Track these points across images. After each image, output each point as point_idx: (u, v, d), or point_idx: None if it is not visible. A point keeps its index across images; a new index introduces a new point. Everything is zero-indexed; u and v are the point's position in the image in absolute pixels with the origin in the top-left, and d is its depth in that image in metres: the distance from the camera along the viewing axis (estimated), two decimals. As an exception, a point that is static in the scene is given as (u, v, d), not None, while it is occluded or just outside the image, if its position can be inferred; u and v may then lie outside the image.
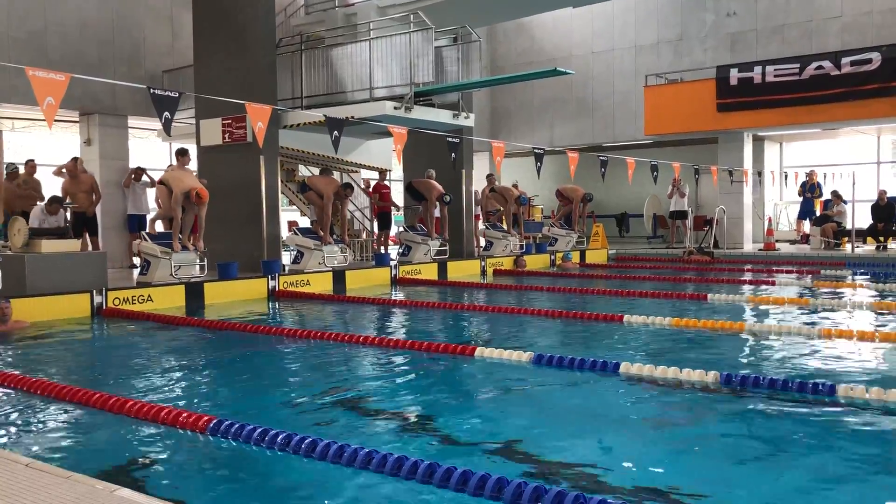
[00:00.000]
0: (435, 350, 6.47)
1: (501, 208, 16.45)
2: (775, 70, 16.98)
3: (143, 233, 11.37)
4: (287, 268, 12.20)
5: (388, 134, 11.53)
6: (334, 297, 10.88)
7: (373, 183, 17.00)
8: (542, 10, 18.32)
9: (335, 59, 13.83)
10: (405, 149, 11.37)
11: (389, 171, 16.87)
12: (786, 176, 21.10)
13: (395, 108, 12.63)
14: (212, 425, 4.15)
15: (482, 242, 16.28)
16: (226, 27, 12.24)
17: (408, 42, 12.86)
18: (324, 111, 11.59)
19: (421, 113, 13.14)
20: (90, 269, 9.50)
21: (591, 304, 9.79)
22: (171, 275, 10.15)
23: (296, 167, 16.05)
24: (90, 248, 12.73)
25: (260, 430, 3.97)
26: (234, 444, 3.99)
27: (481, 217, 17.93)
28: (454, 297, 10.93)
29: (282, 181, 13.70)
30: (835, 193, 17.94)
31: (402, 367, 6.21)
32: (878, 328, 7.43)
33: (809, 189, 18.90)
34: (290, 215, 18.11)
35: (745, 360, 6.34)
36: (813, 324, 7.69)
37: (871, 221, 16.83)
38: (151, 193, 13.81)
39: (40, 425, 4.52)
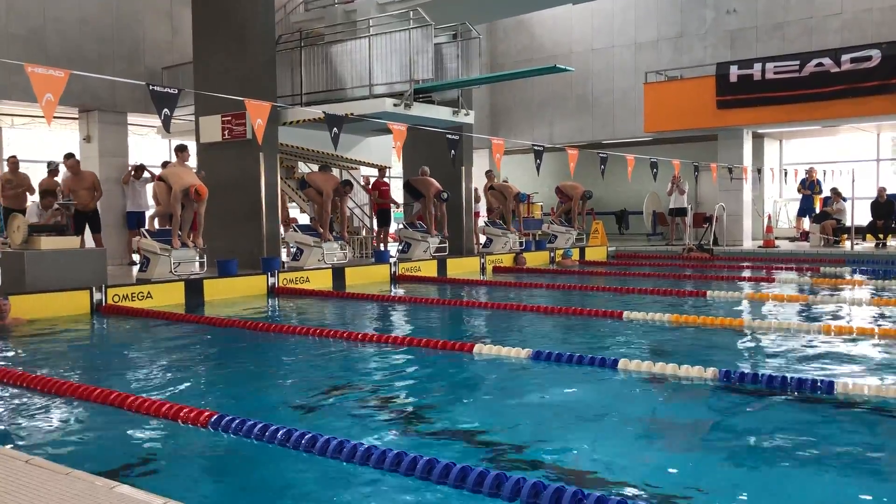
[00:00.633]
0: (434, 347, 6.48)
1: (500, 206, 16.44)
2: (775, 67, 16.97)
3: (142, 229, 11.37)
4: (286, 264, 12.19)
5: (388, 131, 11.53)
6: (334, 294, 10.89)
7: (372, 180, 17.01)
8: (542, 7, 18.30)
9: (335, 55, 13.82)
10: (405, 146, 11.36)
11: (389, 168, 16.87)
12: (785, 173, 21.11)
13: (395, 104, 12.62)
14: (213, 420, 4.16)
15: (482, 239, 16.28)
16: (225, 24, 12.23)
17: (407, 39, 12.85)
18: (323, 108, 11.58)
19: (420, 110, 13.13)
20: (90, 265, 9.50)
21: (591, 300, 9.80)
22: (171, 272, 10.15)
23: (295, 164, 16.04)
24: (94, 245, 12.72)
25: (260, 425, 3.97)
26: (235, 439, 4.00)
27: (481, 214, 17.94)
28: (454, 294, 10.94)
29: (281, 178, 13.69)
30: (834, 191, 17.96)
31: (402, 364, 6.21)
32: (877, 325, 7.44)
33: (809, 186, 18.92)
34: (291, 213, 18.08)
35: (744, 357, 6.35)
36: (812, 320, 7.70)
37: (870, 218, 16.84)
38: (150, 190, 13.84)
39: (40, 422, 4.52)
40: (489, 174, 17.29)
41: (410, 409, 4.83)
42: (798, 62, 16.72)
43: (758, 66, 17.17)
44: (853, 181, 16.24)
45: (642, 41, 21.07)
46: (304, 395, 5.18)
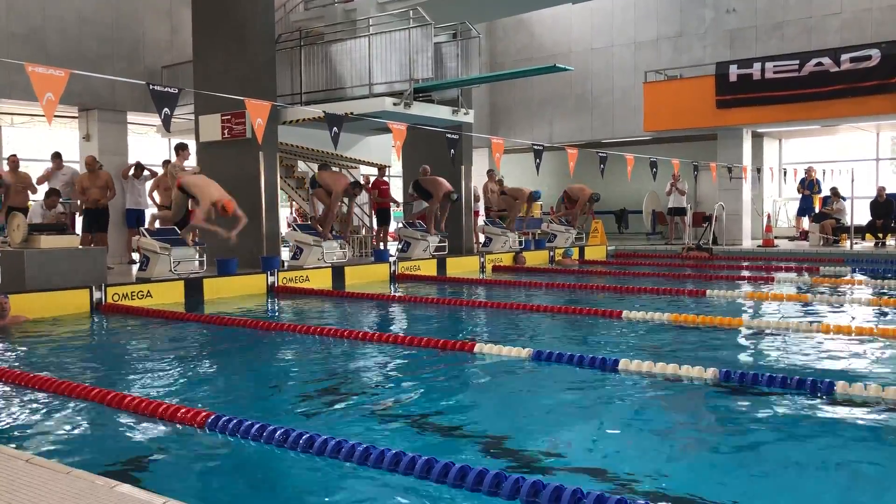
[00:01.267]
0: (434, 346, 6.48)
1: (508, 209, 16.36)
2: (775, 67, 16.97)
3: (141, 228, 11.36)
4: (286, 264, 12.20)
5: (388, 130, 11.53)
6: (333, 293, 10.89)
7: (372, 179, 17.00)
8: (542, 6, 18.29)
9: (334, 55, 13.81)
10: (405, 145, 11.35)
11: (389, 167, 16.87)
12: (785, 172, 21.12)
13: (395, 104, 12.62)
14: (210, 420, 4.17)
15: (481, 239, 16.28)
16: (225, 23, 12.23)
17: (407, 38, 12.85)
18: (323, 107, 11.58)
19: (420, 109, 13.13)
20: (89, 264, 9.50)
21: (591, 300, 9.81)
22: (171, 270, 10.15)
23: (295, 163, 16.05)
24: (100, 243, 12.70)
25: (258, 425, 3.98)
26: (233, 439, 4.00)
27: (481, 213, 17.92)
28: (453, 294, 10.94)
29: (281, 177, 13.69)
30: (833, 190, 17.97)
31: (401, 363, 6.22)
32: (877, 324, 7.45)
33: (808, 186, 18.93)
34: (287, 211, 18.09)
35: (744, 357, 6.35)
36: (811, 320, 7.71)
37: (869, 218, 16.85)
38: (149, 187, 13.83)
39: (40, 421, 4.52)
40: (490, 174, 17.27)
41: (409, 408, 4.84)
42: (797, 62, 16.73)
43: (757, 66, 17.17)
44: (852, 180, 16.25)
45: (642, 40, 21.07)
46: (303, 394, 5.19)
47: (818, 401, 4.75)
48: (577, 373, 5.59)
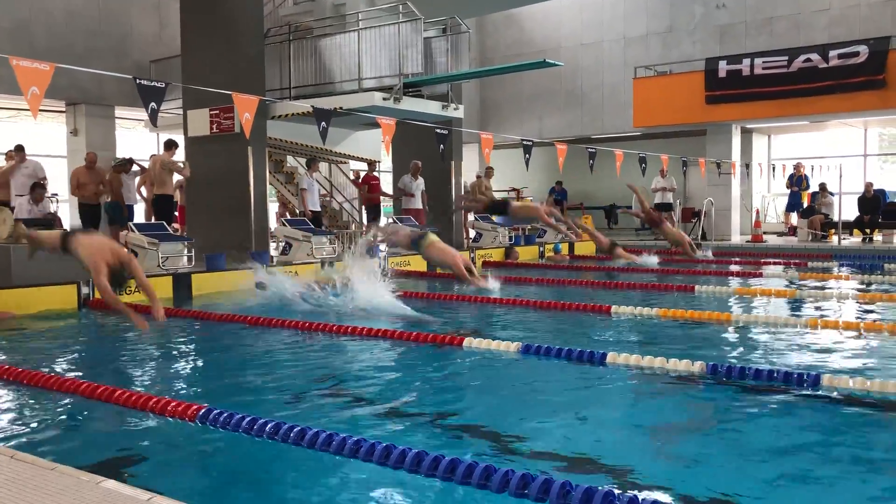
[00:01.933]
0: (423, 340, 6.48)
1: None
2: (763, 62, 17.04)
3: (130, 223, 11.30)
4: (275, 259, 12.16)
5: (378, 125, 11.51)
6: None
7: (362, 174, 16.97)
8: (531, 1, 18.29)
9: (323, 49, 13.78)
10: (394, 140, 11.33)
11: (379, 162, 16.84)
12: (773, 168, 21.21)
13: (384, 98, 12.60)
14: (201, 414, 4.15)
15: (472, 234, 16.28)
16: (213, 17, 12.17)
17: (397, 33, 12.83)
18: (312, 102, 11.55)
19: (410, 104, 13.11)
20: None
21: (580, 295, 9.82)
22: (159, 265, 10.10)
23: (284, 158, 16.00)
24: None
25: (249, 418, 3.96)
26: (224, 432, 3.99)
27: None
28: (443, 288, 10.93)
29: (270, 172, 13.65)
30: (822, 186, 18.06)
31: (391, 357, 6.21)
32: (863, 319, 7.49)
33: (797, 181, 19.01)
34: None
35: (731, 351, 6.38)
36: (799, 314, 7.74)
37: (857, 214, 16.94)
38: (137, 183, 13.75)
39: (26, 416, 4.49)
40: (489, 171, 17.08)
41: (399, 402, 4.83)
42: (786, 58, 16.79)
43: (746, 62, 17.24)
44: (840, 176, 16.33)
45: (631, 36, 21.10)
46: (292, 387, 5.17)
47: (803, 393, 4.78)
48: (565, 366, 5.60)
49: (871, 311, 8.18)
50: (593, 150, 14.87)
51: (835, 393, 4.75)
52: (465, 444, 3.90)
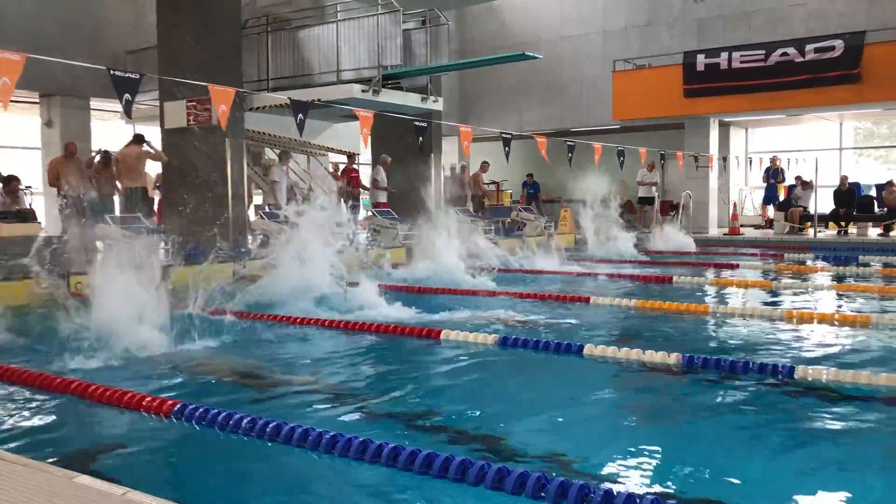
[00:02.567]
0: (401, 333, 6.47)
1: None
2: (741, 56, 17.14)
3: (106, 216, 11.17)
4: (253, 252, 12.07)
5: (357, 117, 11.45)
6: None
7: (342, 167, 16.88)
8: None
9: (302, 41, 13.68)
10: (373, 132, 11.28)
11: (358, 154, 16.77)
12: (750, 161, 21.38)
13: (363, 90, 12.54)
14: (176, 409, 4.12)
15: (363, 233, 16.18)
16: (190, 7, 12.02)
17: (376, 24, 12.77)
18: (290, 94, 11.46)
19: (389, 96, 13.07)
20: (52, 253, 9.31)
21: (559, 286, 9.85)
22: (135, 259, 9.99)
23: (262, 150, 15.88)
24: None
25: (225, 413, 3.94)
26: (199, 428, 3.96)
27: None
28: (417, 281, 10.90)
29: (248, 164, 13.54)
30: (799, 178, 18.23)
31: (368, 350, 6.20)
32: (838, 310, 7.58)
33: (773, 175, 19.19)
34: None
35: (707, 342, 6.43)
36: (775, 306, 7.82)
37: (833, 206, 17.13)
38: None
39: (-1, 411, 4.44)
40: (485, 164, 17.16)
41: (376, 396, 4.82)
42: (763, 51, 16.91)
43: (724, 55, 17.34)
44: (816, 170, 16.49)
45: (611, 29, 21.15)
46: (269, 382, 5.15)
47: (779, 385, 4.83)
48: (543, 358, 5.62)
49: (846, 303, 8.28)
50: (572, 144, 14.90)
51: (809, 384, 4.80)
52: (441, 437, 3.90)
